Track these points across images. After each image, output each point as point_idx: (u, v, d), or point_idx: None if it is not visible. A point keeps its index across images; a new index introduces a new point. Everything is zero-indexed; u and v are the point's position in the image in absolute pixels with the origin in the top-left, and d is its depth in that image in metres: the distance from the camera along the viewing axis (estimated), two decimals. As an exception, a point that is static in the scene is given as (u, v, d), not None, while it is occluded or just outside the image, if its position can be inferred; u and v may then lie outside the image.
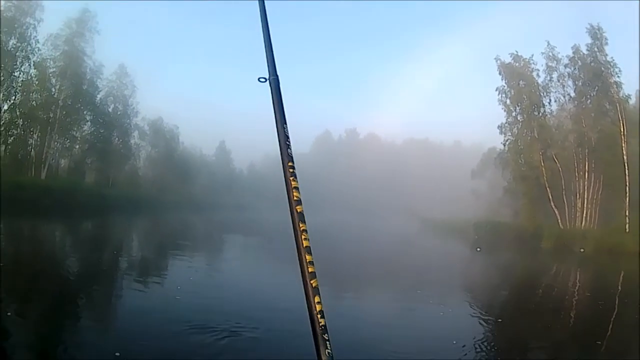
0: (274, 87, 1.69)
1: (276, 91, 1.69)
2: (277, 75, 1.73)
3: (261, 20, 1.82)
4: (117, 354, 5.99)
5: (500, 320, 10.22)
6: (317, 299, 1.37)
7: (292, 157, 1.55)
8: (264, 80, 1.72)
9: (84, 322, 8.09)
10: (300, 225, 1.42)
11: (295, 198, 1.47)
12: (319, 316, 1.35)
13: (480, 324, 9.73)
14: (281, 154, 1.55)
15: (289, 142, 1.58)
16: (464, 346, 7.66)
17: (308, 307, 1.36)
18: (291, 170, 1.52)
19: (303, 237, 1.41)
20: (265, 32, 1.81)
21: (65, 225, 26.93)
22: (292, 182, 1.50)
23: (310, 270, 1.38)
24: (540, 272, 22.31)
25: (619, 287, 16.60)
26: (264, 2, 1.86)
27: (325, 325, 1.34)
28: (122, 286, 11.15)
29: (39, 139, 42.68)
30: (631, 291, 14.78)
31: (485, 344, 8.30)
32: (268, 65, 1.75)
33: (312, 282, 1.37)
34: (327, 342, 1.32)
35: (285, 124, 1.61)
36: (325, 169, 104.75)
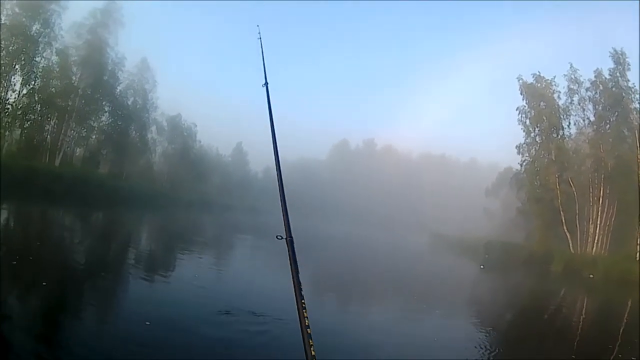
0: (290, 247, 2.16)
1: (292, 250, 2.15)
2: (292, 237, 2.19)
3: (278, 184, 2.41)
4: (148, 322, 7.00)
5: (491, 333, 11.00)
6: (304, 305, 2.04)
7: (303, 296, 2.05)
8: (280, 237, 2.21)
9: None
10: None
11: (306, 324, 1.99)
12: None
13: (469, 331, 10.84)
14: (295, 296, 2.06)
15: (302, 287, 2.08)
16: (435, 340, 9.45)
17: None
18: (304, 304, 2.03)
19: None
20: (282, 194, 2.38)
21: (74, 214, 27.63)
22: (306, 321, 2.00)
23: (305, 314, 2.03)
24: (545, 295, 22.59)
25: (625, 318, 16.16)
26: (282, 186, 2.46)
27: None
28: (125, 279, 11.76)
29: (55, 126, 43.34)
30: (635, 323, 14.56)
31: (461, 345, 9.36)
32: (285, 228, 2.21)
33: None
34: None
35: (298, 273, 2.12)
36: (340, 177, 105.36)
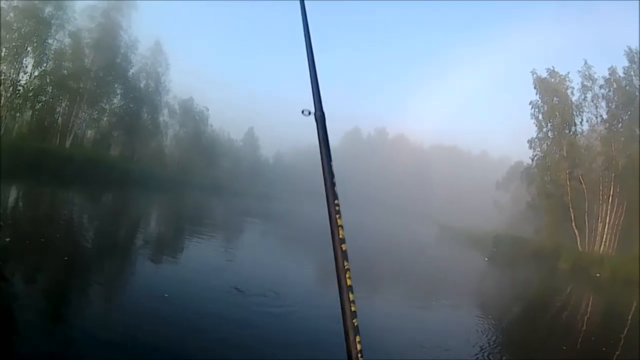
0: (320, 123, 1.67)
1: (322, 127, 1.67)
2: (323, 112, 1.68)
3: (307, 54, 1.73)
4: (166, 295, 8.00)
5: (487, 324, 11.47)
6: (351, 296, 1.32)
7: (337, 195, 1.51)
8: (307, 113, 1.68)
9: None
10: (345, 264, 1.35)
11: (340, 236, 1.42)
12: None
13: (461, 318, 11.86)
14: (326, 190, 1.51)
15: (335, 180, 1.55)
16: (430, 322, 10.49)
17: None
18: (337, 208, 1.49)
19: (347, 275, 1.32)
20: (310, 64, 1.74)
21: (86, 196, 28.44)
22: (338, 220, 1.45)
23: (351, 298, 1.29)
24: (551, 291, 23.02)
25: (628, 319, 15.92)
26: (309, 37, 1.77)
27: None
28: (142, 257, 12.73)
29: (67, 108, 44.04)
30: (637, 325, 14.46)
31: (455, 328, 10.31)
32: (314, 100, 1.70)
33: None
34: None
35: (331, 160, 1.59)
36: (352, 166, 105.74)
